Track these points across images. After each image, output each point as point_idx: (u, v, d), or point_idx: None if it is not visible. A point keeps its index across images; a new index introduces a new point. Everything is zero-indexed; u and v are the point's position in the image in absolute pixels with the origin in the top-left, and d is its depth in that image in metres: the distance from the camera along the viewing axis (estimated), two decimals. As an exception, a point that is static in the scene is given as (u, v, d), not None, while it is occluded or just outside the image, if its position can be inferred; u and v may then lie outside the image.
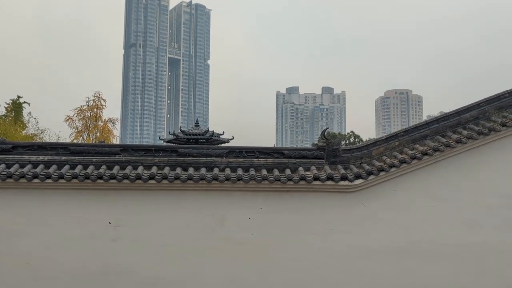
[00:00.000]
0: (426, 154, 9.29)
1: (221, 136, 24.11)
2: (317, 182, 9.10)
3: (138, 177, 9.10)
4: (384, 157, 9.57)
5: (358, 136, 66.45)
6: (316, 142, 9.76)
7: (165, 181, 9.07)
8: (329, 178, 9.11)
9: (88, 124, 31.98)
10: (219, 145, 20.82)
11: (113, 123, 33.80)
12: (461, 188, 9.36)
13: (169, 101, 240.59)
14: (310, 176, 9.11)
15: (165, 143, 25.53)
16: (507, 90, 10.06)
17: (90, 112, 32.27)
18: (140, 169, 9.38)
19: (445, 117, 9.88)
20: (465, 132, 9.57)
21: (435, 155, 9.33)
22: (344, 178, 9.13)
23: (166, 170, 9.32)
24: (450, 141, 9.39)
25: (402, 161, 9.23)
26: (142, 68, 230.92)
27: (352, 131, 69.27)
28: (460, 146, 9.43)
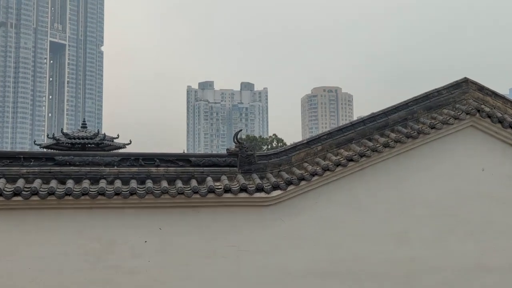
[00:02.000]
0: (351, 160, 9.53)
1: (115, 140, 23.74)
2: (229, 195, 9.12)
3: (-2, 193, 8.54)
4: (306, 164, 9.71)
5: (282, 140, 68.40)
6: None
7: (35, 198, 8.63)
8: (243, 189, 9.15)
9: None
10: (112, 151, 20.13)
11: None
12: (389, 198, 9.74)
13: (50, 97, 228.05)
14: (220, 188, 9.11)
15: (41, 149, 24.10)
16: (436, 89, 10.79)
17: None
18: (1, 182, 8.81)
19: (371, 118, 10.17)
20: (392, 135, 9.89)
21: (361, 161, 9.61)
22: (259, 189, 9.21)
23: (37, 183, 8.89)
24: (377, 145, 9.70)
25: (325, 169, 9.40)
26: (14, 53, 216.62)
27: (274, 134, 71.17)
28: (388, 150, 9.78)
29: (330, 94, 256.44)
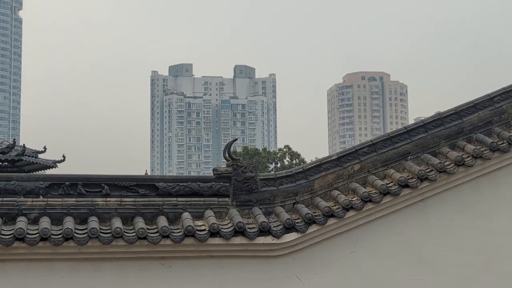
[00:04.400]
0: (406, 185, 9.22)
1: (40, 156, 23.08)
2: (217, 240, 8.72)
3: None
4: (336, 192, 9.39)
5: (298, 155, 67.34)
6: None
7: None
8: (238, 231, 8.79)
9: None
10: (35, 172, 19.45)
11: None
12: (465, 246, 9.33)
13: None
14: (204, 229, 8.72)
15: None
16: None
17: None
18: None
19: (437, 120, 9.87)
20: (470, 147, 9.53)
21: (421, 187, 9.27)
22: (264, 231, 8.81)
23: None
24: (446, 163, 9.36)
25: (367, 199, 9.05)
26: None
27: (287, 146, 69.89)
28: (463, 171, 9.41)
29: (373, 83, 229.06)
